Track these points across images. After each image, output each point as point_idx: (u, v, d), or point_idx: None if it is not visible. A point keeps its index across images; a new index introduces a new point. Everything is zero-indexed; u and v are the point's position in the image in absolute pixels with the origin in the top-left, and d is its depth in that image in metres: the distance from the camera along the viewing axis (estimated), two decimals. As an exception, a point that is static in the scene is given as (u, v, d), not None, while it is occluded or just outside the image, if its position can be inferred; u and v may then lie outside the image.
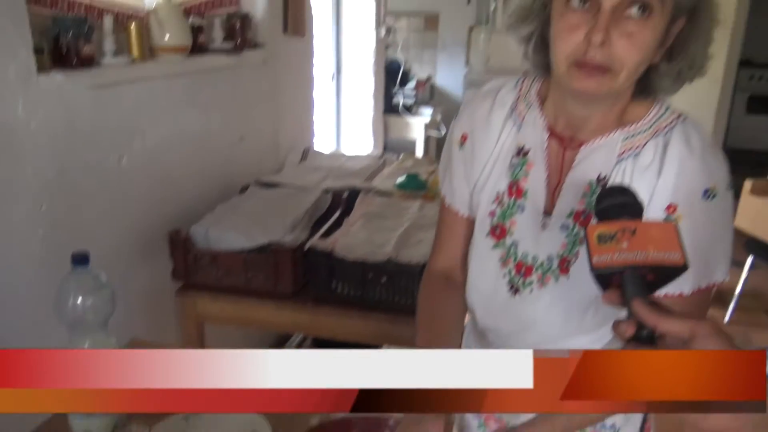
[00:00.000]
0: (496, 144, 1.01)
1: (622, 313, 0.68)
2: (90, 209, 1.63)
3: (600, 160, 0.92)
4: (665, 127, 0.91)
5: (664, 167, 0.89)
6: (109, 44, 1.66)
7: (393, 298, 1.65)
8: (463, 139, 1.05)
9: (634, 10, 0.81)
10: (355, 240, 1.74)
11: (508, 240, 1.00)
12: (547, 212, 0.97)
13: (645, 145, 0.91)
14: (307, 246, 1.71)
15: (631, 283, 0.67)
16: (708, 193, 0.87)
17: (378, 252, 1.67)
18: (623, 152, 0.91)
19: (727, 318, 3.30)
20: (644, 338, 0.65)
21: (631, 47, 0.82)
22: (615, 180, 0.91)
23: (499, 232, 1.01)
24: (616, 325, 0.67)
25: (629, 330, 0.66)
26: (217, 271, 1.73)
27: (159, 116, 1.86)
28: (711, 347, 0.64)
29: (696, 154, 0.88)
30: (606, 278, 0.69)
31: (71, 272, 1.03)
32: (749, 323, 3.28)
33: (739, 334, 3.13)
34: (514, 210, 0.99)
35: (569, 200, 0.95)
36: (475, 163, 1.03)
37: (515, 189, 0.99)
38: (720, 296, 3.43)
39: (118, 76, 1.68)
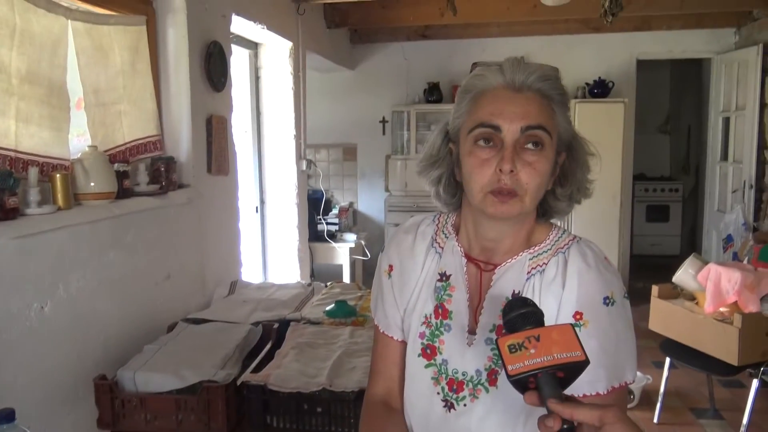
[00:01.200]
0: (421, 271, 1.12)
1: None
2: (11, 359, 1.58)
3: (512, 278, 1.04)
4: (564, 246, 1.04)
5: (566, 280, 1.00)
6: (33, 195, 1.69)
7: (330, 428, 1.64)
8: (390, 268, 1.15)
9: (530, 144, 0.97)
10: (288, 372, 1.75)
11: (439, 359, 1.07)
12: (472, 330, 1.05)
13: (548, 262, 1.03)
14: (239, 381, 1.70)
15: (545, 384, 0.77)
16: (607, 301, 0.99)
17: (312, 382, 1.68)
18: (530, 270, 1.03)
19: (656, 419, 3.39)
20: (566, 431, 0.74)
21: (533, 173, 0.97)
22: (527, 294, 1.02)
23: (429, 351, 1.08)
24: (541, 422, 0.76)
25: (556, 425, 0.75)
26: (146, 415, 1.68)
27: (84, 261, 1.86)
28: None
29: (592, 267, 1.01)
30: (523, 382, 0.78)
31: (-4, 430, 1.01)
32: (677, 422, 3.38)
33: (669, 435, 3.22)
34: (441, 330, 1.07)
35: (490, 316, 1.04)
36: (404, 290, 1.13)
37: (441, 311, 1.08)
38: (647, 398, 3.54)
39: (43, 225, 1.69)
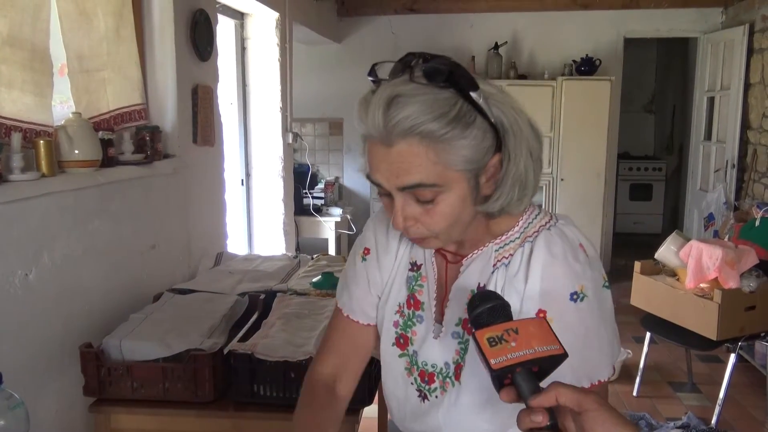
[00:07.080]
0: (395, 259, 1.09)
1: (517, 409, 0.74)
2: (-5, 328, 1.56)
3: (478, 270, 0.99)
4: (533, 233, 0.96)
5: (529, 274, 0.93)
6: (16, 161, 1.66)
7: (316, 397, 1.65)
8: (366, 252, 1.12)
9: (416, 200, 0.87)
10: (274, 341, 1.75)
11: (410, 349, 1.06)
12: (439, 321, 1.03)
13: (515, 253, 0.96)
14: (226, 350, 1.70)
15: (524, 379, 0.74)
16: (575, 296, 0.91)
17: (299, 351, 1.68)
18: (496, 262, 0.97)
19: (635, 392, 3.46)
20: (550, 427, 0.71)
21: (431, 221, 0.89)
22: (490, 287, 0.96)
23: (403, 341, 1.07)
24: (526, 416, 0.71)
25: (544, 419, 0.70)
26: (132, 383, 1.68)
27: (68, 229, 1.85)
28: (600, 419, 0.70)
29: (558, 259, 0.92)
30: (501, 378, 0.74)
31: (-17, 393, 1.00)
32: (655, 395, 3.46)
33: (648, 407, 3.29)
34: (414, 320, 1.06)
35: (456, 309, 1.01)
36: (380, 276, 1.10)
37: (413, 301, 1.06)
38: (626, 371, 3.61)
39: (26, 191, 1.66)
